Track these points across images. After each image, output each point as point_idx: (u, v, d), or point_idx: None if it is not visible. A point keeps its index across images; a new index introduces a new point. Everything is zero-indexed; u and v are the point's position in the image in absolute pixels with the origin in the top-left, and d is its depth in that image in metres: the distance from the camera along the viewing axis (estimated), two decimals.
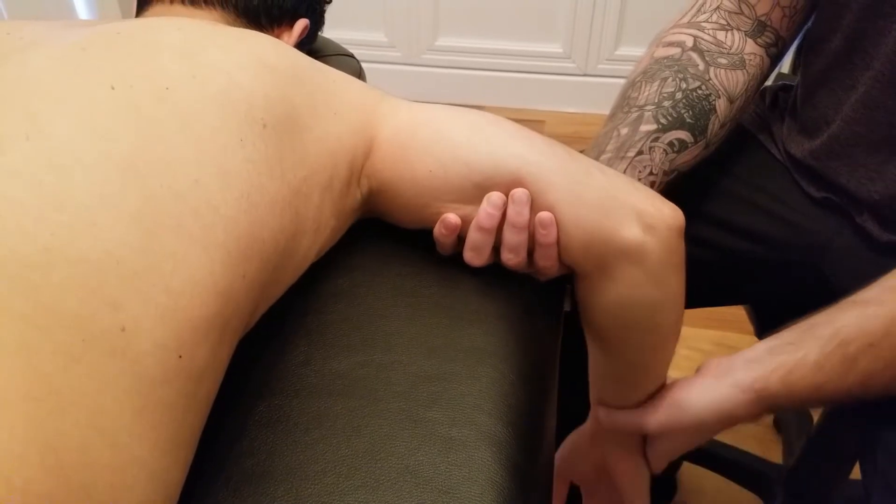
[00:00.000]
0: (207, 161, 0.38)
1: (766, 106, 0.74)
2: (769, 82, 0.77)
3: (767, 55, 0.64)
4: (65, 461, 0.28)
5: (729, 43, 0.62)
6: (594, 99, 1.87)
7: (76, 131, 0.35)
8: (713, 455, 0.97)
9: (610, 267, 0.47)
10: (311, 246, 0.47)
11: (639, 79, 0.62)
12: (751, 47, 0.63)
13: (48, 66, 0.38)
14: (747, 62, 0.62)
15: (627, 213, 0.46)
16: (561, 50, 1.84)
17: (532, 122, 1.83)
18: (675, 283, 0.49)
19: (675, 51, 0.62)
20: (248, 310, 0.41)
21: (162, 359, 0.33)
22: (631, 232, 0.46)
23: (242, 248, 0.39)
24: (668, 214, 0.47)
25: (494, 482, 0.39)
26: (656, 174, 0.58)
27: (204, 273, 0.36)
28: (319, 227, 0.47)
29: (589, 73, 1.86)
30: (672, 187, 0.60)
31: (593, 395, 0.62)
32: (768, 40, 0.63)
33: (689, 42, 0.62)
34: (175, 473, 0.34)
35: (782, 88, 0.74)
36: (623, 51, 1.82)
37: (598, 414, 0.61)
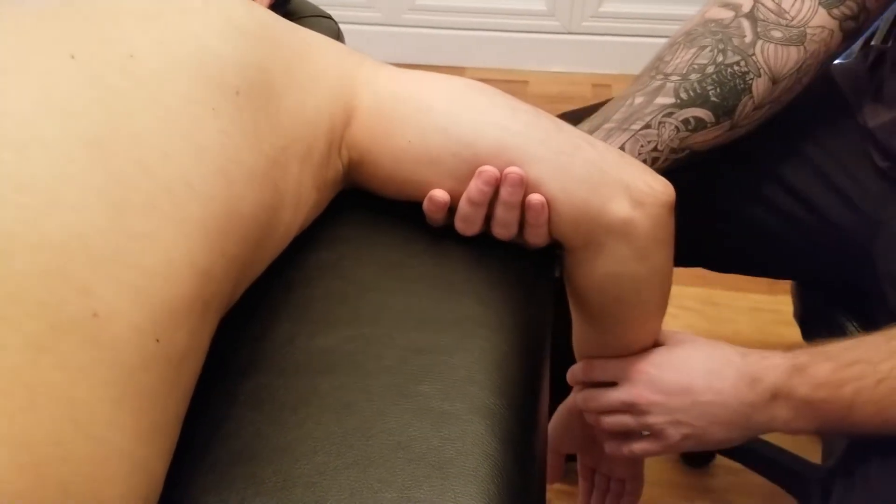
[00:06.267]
0: (178, 134, 0.36)
1: (868, 66, 0.66)
2: (875, 41, 0.71)
3: (840, 29, 0.56)
4: (39, 457, 0.27)
5: (794, 12, 0.55)
6: (579, 57, 1.83)
7: (35, 105, 0.33)
8: (748, 451, 0.93)
9: (597, 243, 0.47)
10: (293, 220, 0.45)
11: (680, 39, 0.57)
12: (820, 19, 0.55)
13: (1, 37, 0.36)
14: (808, 37, 0.55)
15: (616, 188, 0.45)
16: (544, 7, 1.80)
17: (516, 82, 1.79)
18: (663, 259, 0.49)
19: (728, 15, 0.56)
20: (229, 289, 0.39)
21: (139, 344, 0.32)
22: (619, 207, 0.45)
23: (221, 225, 0.37)
24: (659, 190, 0.46)
25: (489, 455, 0.38)
26: (661, 150, 0.55)
27: (180, 252, 0.34)
28: (300, 200, 0.45)
29: (573, 30, 1.82)
30: (682, 165, 0.57)
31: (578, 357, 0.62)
32: (847, 12, 0.56)
33: (747, 6, 0.56)
34: (157, 462, 0.33)
35: (884, 51, 0.67)
36: (608, 7, 1.78)
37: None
